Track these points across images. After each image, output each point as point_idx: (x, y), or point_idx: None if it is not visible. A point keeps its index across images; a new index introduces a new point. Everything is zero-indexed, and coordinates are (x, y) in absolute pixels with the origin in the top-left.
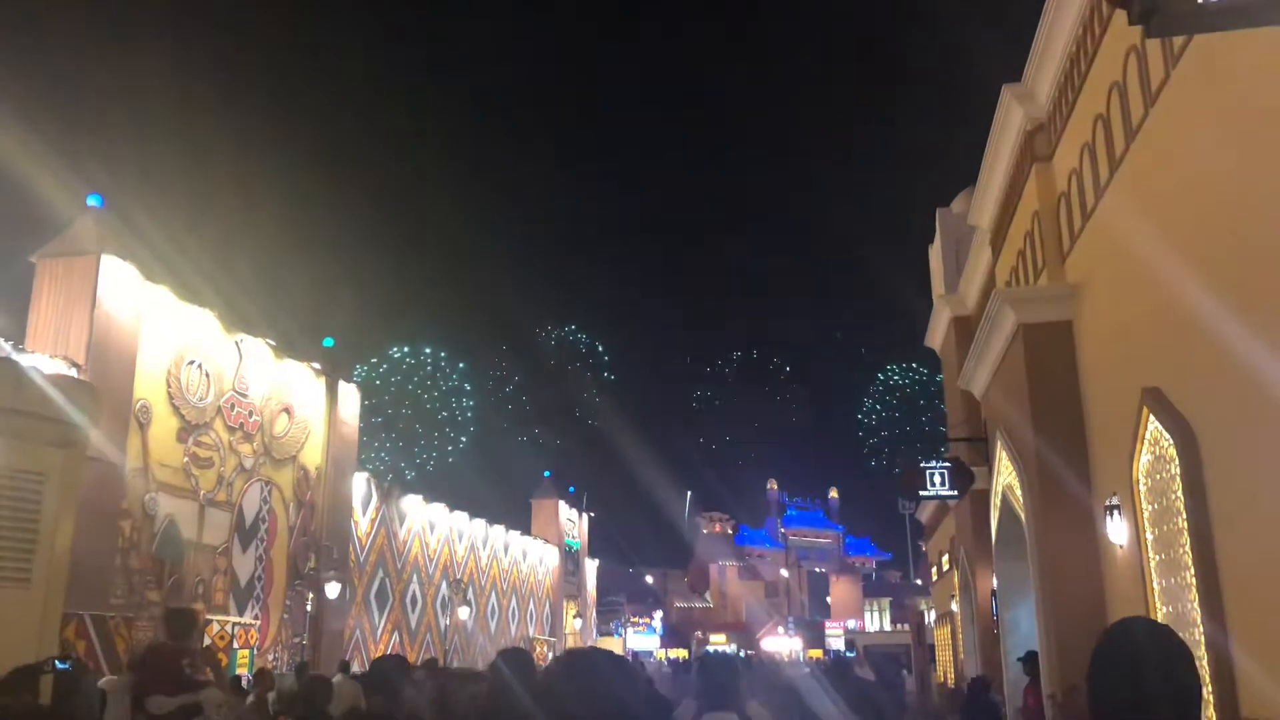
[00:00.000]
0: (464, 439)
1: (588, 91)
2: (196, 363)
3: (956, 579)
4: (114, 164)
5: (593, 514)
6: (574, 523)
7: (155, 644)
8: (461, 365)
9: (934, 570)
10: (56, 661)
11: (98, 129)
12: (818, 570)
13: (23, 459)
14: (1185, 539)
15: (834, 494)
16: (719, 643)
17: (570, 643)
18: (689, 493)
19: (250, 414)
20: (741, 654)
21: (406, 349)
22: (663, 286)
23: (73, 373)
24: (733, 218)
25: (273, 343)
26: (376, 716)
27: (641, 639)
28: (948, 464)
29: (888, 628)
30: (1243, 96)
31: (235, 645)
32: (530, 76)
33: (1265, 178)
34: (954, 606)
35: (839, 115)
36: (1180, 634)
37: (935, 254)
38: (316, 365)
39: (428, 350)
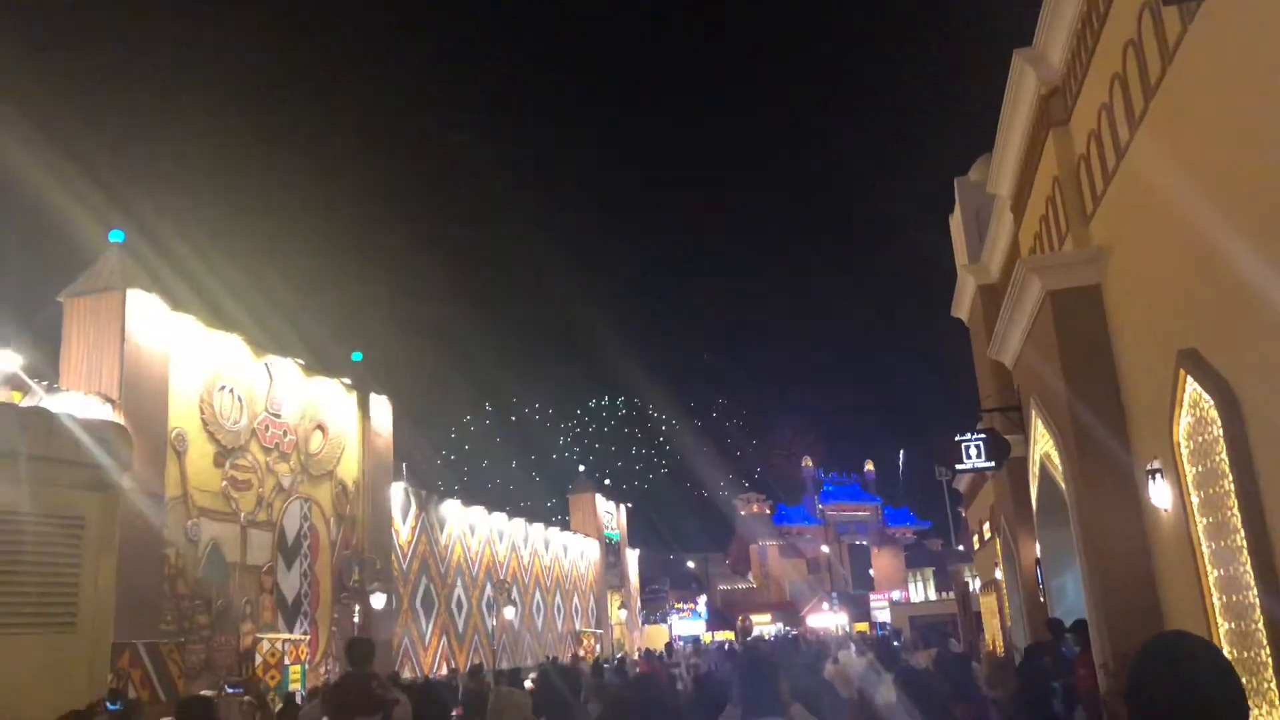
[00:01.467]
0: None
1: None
2: (228, 388)
3: (999, 547)
4: (135, 194)
5: (630, 505)
6: (612, 514)
7: (346, 673)
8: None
9: (975, 538)
10: (108, 704)
11: (117, 157)
12: (858, 543)
13: (59, 505)
14: (1233, 501)
15: (869, 466)
16: (763, 623)
17: (616, 634)
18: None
19: (285, 434)
20: (789, 634)
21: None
22: (686, 268)
23: (107, 408)
24: (760, 192)
25: (302, 361)
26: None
27: (687, 624)
28: (983, 435)
29: (933, 597)
30: (1264, 46)
31: (287, 662)
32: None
33: None
34: (998, 574)
35: (853, 85)
36: (1233, 597)
37: (956, 223)
38: (347, 380)
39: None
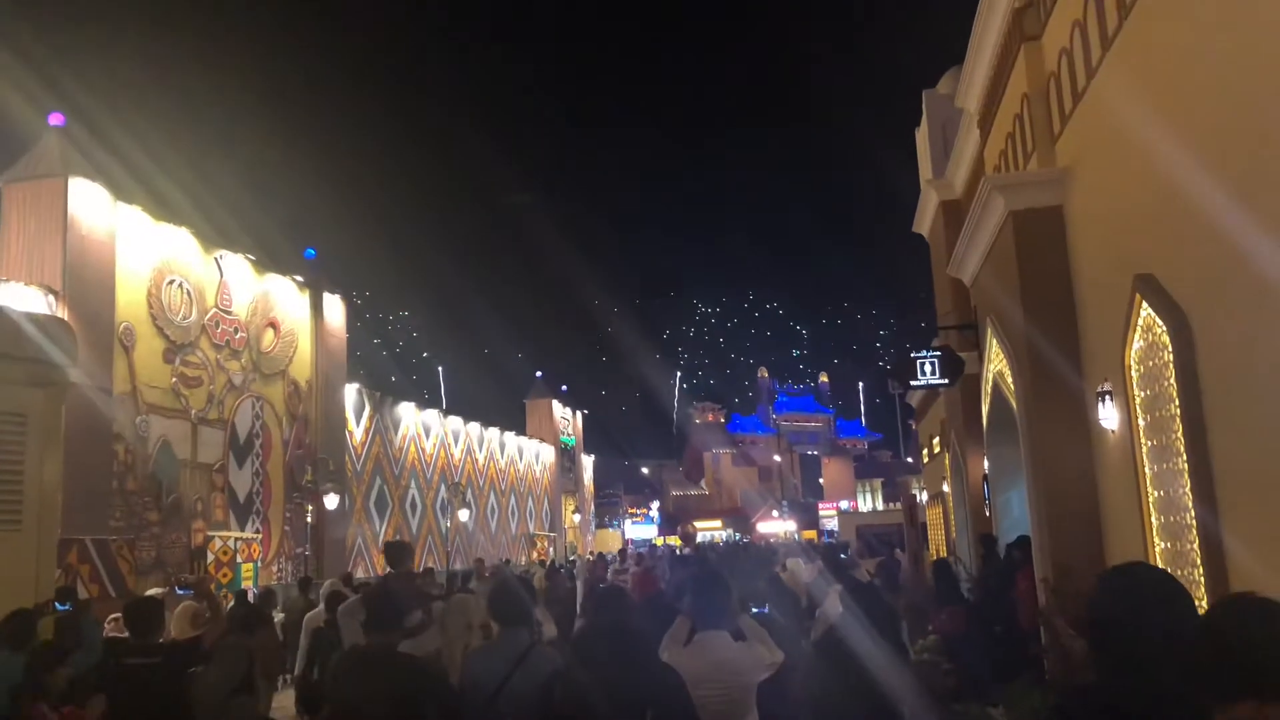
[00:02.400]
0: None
1: None
2: (177, 281)
3: (948, 461)
4: (80, 77)
5: (586, 411)
6: (568, 420)
7: (388, 575)
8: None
9: (925, 452)
10: (56, 604)
11: (61, 41)
12: (810, 453)
13: (1, 401)
14: (1178, 425)
15: (824, 378)
16: (713, 528)
17: (570, 538)
18: (678, 374)
19: (236, 330)
20: (740, 539)
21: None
22: (654, 170)
23: (50, 299)
24: (722, 105)
25: (253, 257)
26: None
27: (640, 529)
28: (938, 352)
29: (880, 507)
30: None
31: (239, 560)
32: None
33: (1265, 59)
34: (945, 488)
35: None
36: (1172, 517)
37: (922, 137)
38: (299, 278)
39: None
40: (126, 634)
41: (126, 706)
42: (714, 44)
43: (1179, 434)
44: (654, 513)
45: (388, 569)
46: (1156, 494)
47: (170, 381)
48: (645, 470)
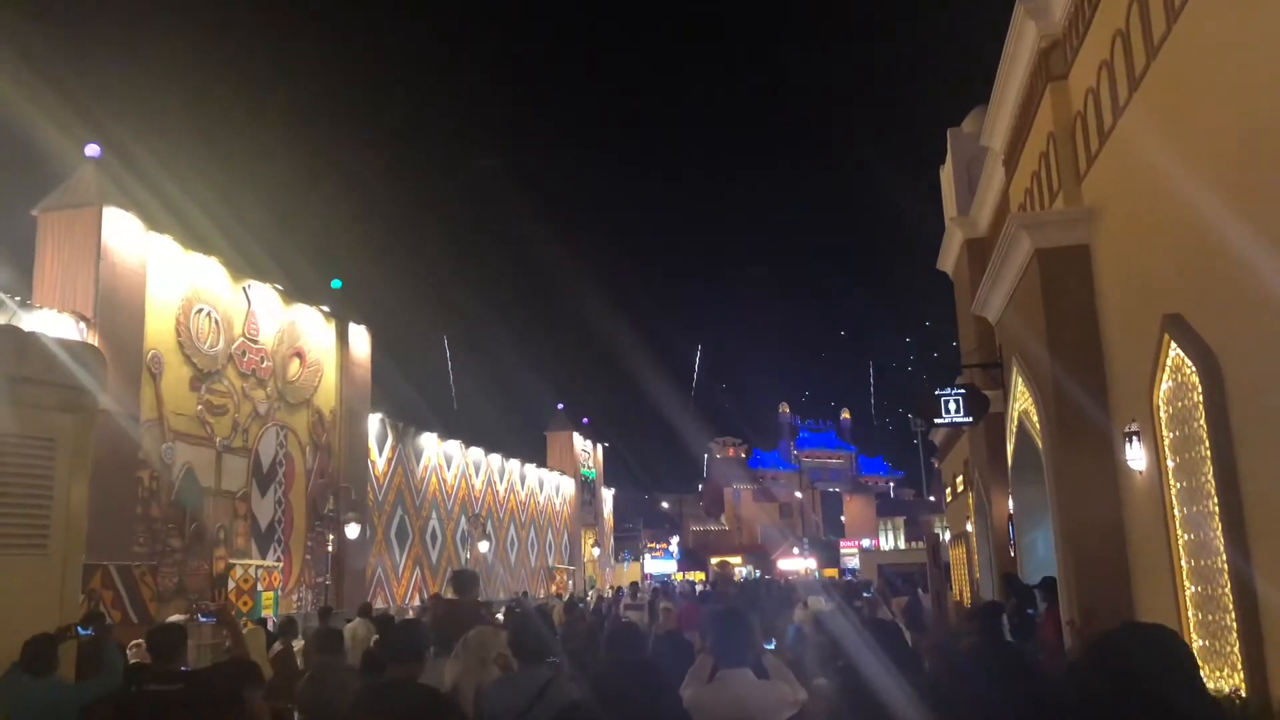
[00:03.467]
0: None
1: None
2: (206, 310)
3: (971, 500)
4: (115, 110)
5: (607, 444)
6: (589, 453)
7: (453, 601)
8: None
9: (948, 491)
10: (79, 628)
11: (98, 75)
12: (831, 490)
13: (31, 426)
14: (1208, 467)
15: (846, 415)
16: (735, 563)
17: (589, 571)
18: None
19: (262, 360)
20: (758, 575)
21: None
22: (674, 217)
23: (82, 327)
24: (752, 140)
25: (281, 287)
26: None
27: (659, 564)
28: (962, 390)
29: (902, 546)
30: (1266, 11)
31: (260, 588)
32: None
33: None
34: (969, 527)
35: (851, 31)
36: (1203, 561)
37: (947, 175)
38: (325, 308)
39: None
40: (149, 660)
41: None
42: (738, 80)
43: (1209, 476)
44: (673, 547)
45: (452, 596)
46: (1186, 537)
47: (196, 409)
48: (665, 504)
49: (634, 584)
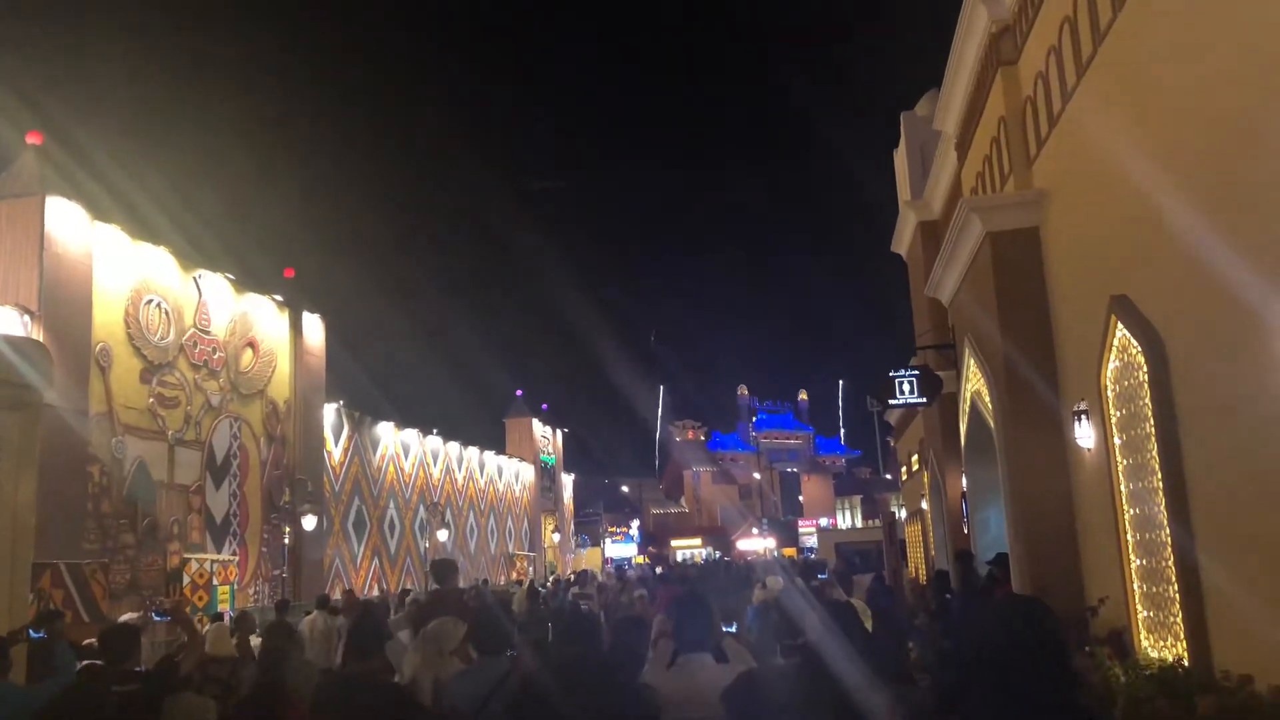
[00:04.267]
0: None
1: None
2: (155, 301)
3: (926, 479)
4: (58, 96)
5: (566, 430)
6: (548, 439)
7: (434, 590)
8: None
9: (904, 470)
10: (30, 631)
11: (39, 59)
12: (789, 471)
13: None
14: (1153, 444)
15: (803, 396)
16: (693, 546)
17: (549, 557)
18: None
19: (214, 350)
20: (721, 558)
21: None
22: (627, 197)
23: (26, 320)
24: (704, 121)
25: (232, 277)
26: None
27: (620, 548)
28: (916, 371)
29: (859, 524)
30: (1209, 3)
31: (215, 582)
32: None
33: (1235, 85)
34: (924, 505)
35: (804, 16)
36: (1147, 535)
37: (900, 158)
38: (279, 297)
39: None
40: (101, 661)
41: None
42: (694, 62)
43: (1154, 452)
44: (634, 531)
45: (433, 586)
46: (1132, 511)
47: (147, 402)
48: (625, 489)
49: (583, 572)
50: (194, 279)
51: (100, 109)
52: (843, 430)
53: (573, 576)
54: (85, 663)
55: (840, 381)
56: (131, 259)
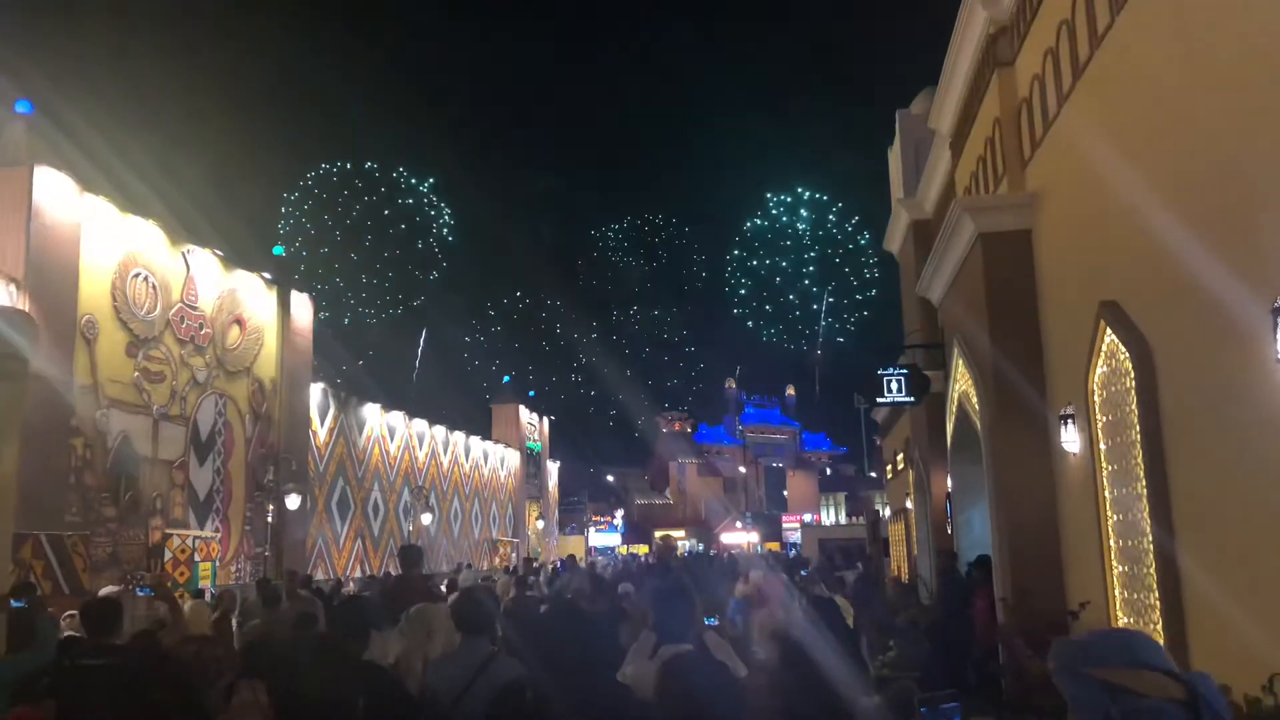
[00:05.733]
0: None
1: None
2: (142, 275)
3: (911, 478)
4: (48, 67)
5: (554, 418)
6: (534, 426)
7: (401, 576)
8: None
9: (889, 468)
10: (12, 601)
11: (29, 29)
12: (775, 466)
13: None
14: (1138, 450)
15: (791, 391)
16: (678, 537)
17: (532, 543)
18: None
19: (201, 326)
20: (701, 549)
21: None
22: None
23: (12, 289)
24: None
25: (221, 253)
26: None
27: (604, 537)
28: (904, 370)
29: (843, 521)
30: (1205, 7)
31: (197, 559)
32: None
33: (1225, 95)
34: (908, 504)
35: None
36: (1130, 542)
37: (894, 156)
38: (267, 275)
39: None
40: (82, 633)
41: (81, 708)
42: (689, 58)
43: (1139, 459)
44: (618, 521)
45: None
46: (1116, 517)
47: (133, 376)
48: (610, 478)
49: (527, 560)
50: (182, 254)
51: (89, 81)
52: (826, 427)
53: (554, 567)
54: (66, 634)
55: (827, 375)
56: (119, 231)
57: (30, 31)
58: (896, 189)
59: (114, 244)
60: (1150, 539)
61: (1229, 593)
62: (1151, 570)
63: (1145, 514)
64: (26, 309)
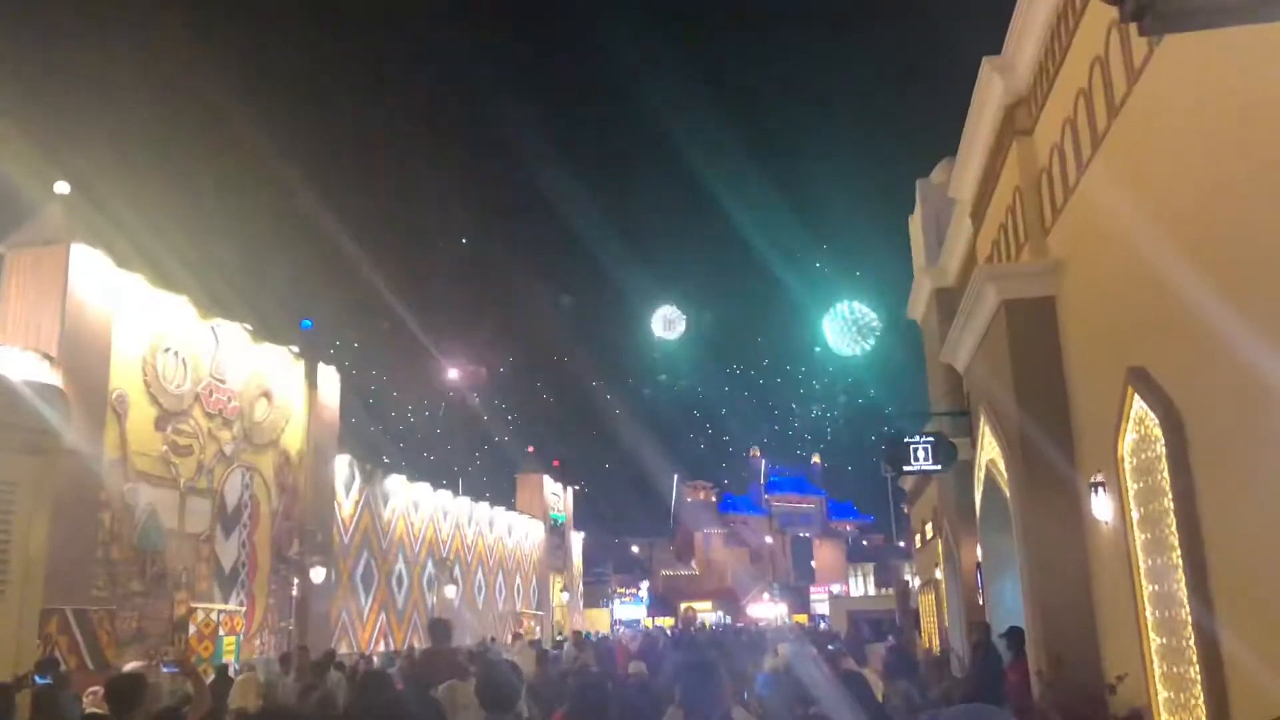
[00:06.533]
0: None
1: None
2: (172, 350)
3: (940, 547)
4: (84, 147)
5: (578, 487)
6: (559, 496)
7: (429, 650)
8: None
9: (917, 537)
10: (36, 677)
11: (67, 111)
12: (801, 535)
13: None
14: (1171, 518)
15: (816, 460)
16: (704, 609)
17: (558, 616)
18: (675, 475)
19: (229, 400)
20: (727, 620)
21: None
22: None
23: (45, 365)
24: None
25: (249, 327)
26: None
27: (629, 609)
28: (931, 438)
29: (872, 591)
30: (1223, 74)
31: (221, 632)
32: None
33: (1247, 161)
34: (938, 574)
35: (820, 83)
36: (1167, 612)
37: (915, 225)
38: (295, 348)
39: None
40: (106, 710)
41: None
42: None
43: (1172, 528)
44: (643, 592)
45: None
46: (1151, 588)
47: (161, 450)
48: (635, 549)
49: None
50: (211, 328)
51: (122, 158)
52: (853, 496)
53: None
54: (89, 711)
55: (853, 444)
56: (151, 307)
57: (68, 109)
58: (918, 257)
59: (145, 319)
60: (1188, 610)
61: (1272, 666)
62: (1190, 642)
63: (1181, 584)
64: (60, 385)
